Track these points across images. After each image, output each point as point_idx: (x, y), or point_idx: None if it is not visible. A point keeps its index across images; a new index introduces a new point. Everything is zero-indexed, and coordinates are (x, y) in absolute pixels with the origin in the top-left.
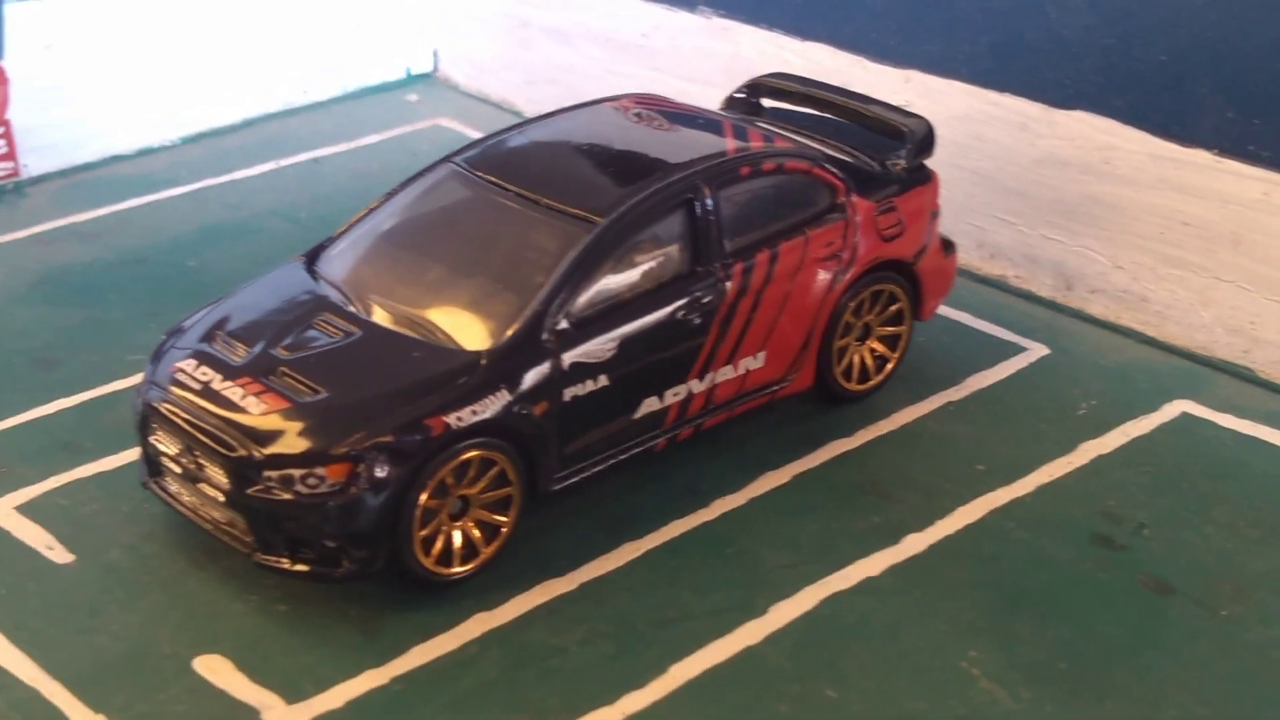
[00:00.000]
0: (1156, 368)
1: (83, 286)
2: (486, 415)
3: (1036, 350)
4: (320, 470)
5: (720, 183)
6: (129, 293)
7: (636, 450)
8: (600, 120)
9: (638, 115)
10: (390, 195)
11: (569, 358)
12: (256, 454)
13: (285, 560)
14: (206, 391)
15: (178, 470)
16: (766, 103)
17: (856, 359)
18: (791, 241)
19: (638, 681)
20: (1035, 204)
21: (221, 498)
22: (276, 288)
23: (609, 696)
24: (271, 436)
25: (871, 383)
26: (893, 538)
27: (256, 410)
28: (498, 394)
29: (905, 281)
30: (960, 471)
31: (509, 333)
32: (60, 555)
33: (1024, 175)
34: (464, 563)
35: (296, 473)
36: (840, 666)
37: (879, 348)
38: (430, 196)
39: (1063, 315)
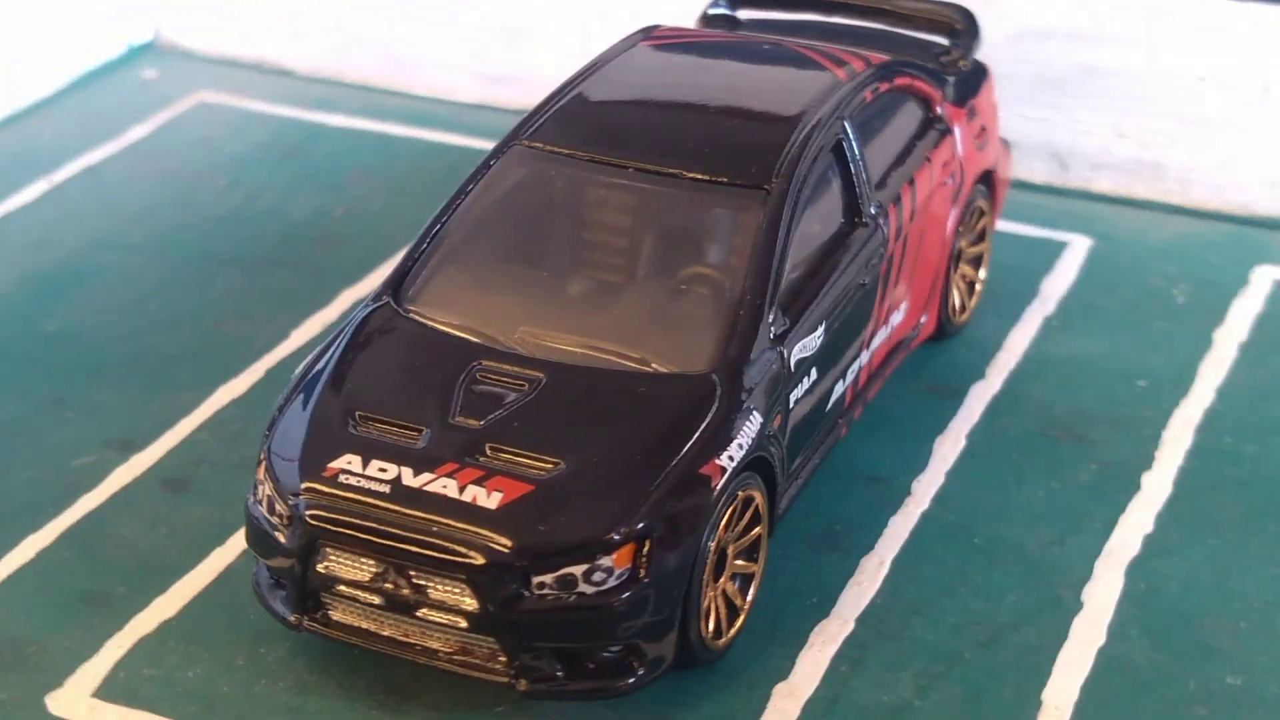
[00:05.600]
0: (1207, 237)
1: None
2: (749, 445)
3: (1078, 241)
4: (605, 560)
5: (853, 115)
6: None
7: (830, 445)
8: (662, 67)
9: (697, 54)
10: (459, 199)
11: (791, 354)
12: (516, 558)
13: (556, 681)
14: (402, 491)
15: (375, 600)
16: (744, 15)
17: (955, 288)
18: (921, 168)
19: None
20: (1013, 84)
21: (463, 622)
22: (381, 342)
23: None
24: (526, 532)
25: (968, 311)
26: (1128, 483)
27: (492, 502)
28: (750, 417)
29: (988, 192)
30: (1126, 392)
31: (733, 339)
32: None
33: (996, 55)
34: (729, 627)
35: (577, 570)
36: (1216, 647)
37: (969, 271)
38: (524, 192)
39: (1070, 199)
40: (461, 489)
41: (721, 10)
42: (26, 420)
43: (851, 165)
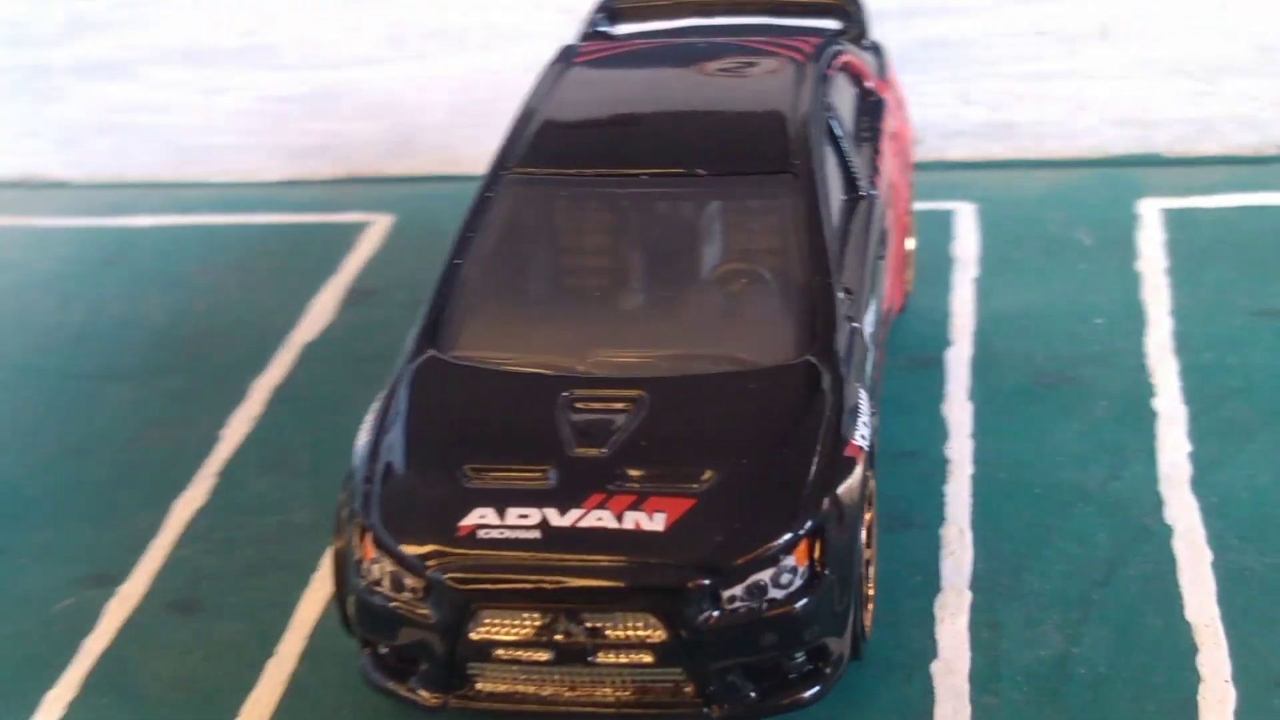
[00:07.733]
0: (1077, 183)
1: None
2: (870, 423)
3: (962, 207)
4: (788, 560)
5: (827, 94)
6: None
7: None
8: (615, 79)
9: (642, 62)
10: (468, 238)
11: (864, 329)
12: (703, 576)
13: (750, 701)
14: (554, 534)
15: (542, 657)
16: (623, 29)
17: None
18: (880, 140)
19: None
20: None
21: (648, 657)
22: (449, 394)
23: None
24: (704, 547)
25: (910, 283)
26: (1144, 411)
27: (657, 524)
28: (859, 395)
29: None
30: (1090, 332)
31: (815, 321)
32: None
33: None
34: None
35: (765, 575)
36: None
37: None
38: (533, 219)
39: (929, 171)
40: (619, 517)
41: (602, 30)
42: (59, 542)
43: (841, 143)
